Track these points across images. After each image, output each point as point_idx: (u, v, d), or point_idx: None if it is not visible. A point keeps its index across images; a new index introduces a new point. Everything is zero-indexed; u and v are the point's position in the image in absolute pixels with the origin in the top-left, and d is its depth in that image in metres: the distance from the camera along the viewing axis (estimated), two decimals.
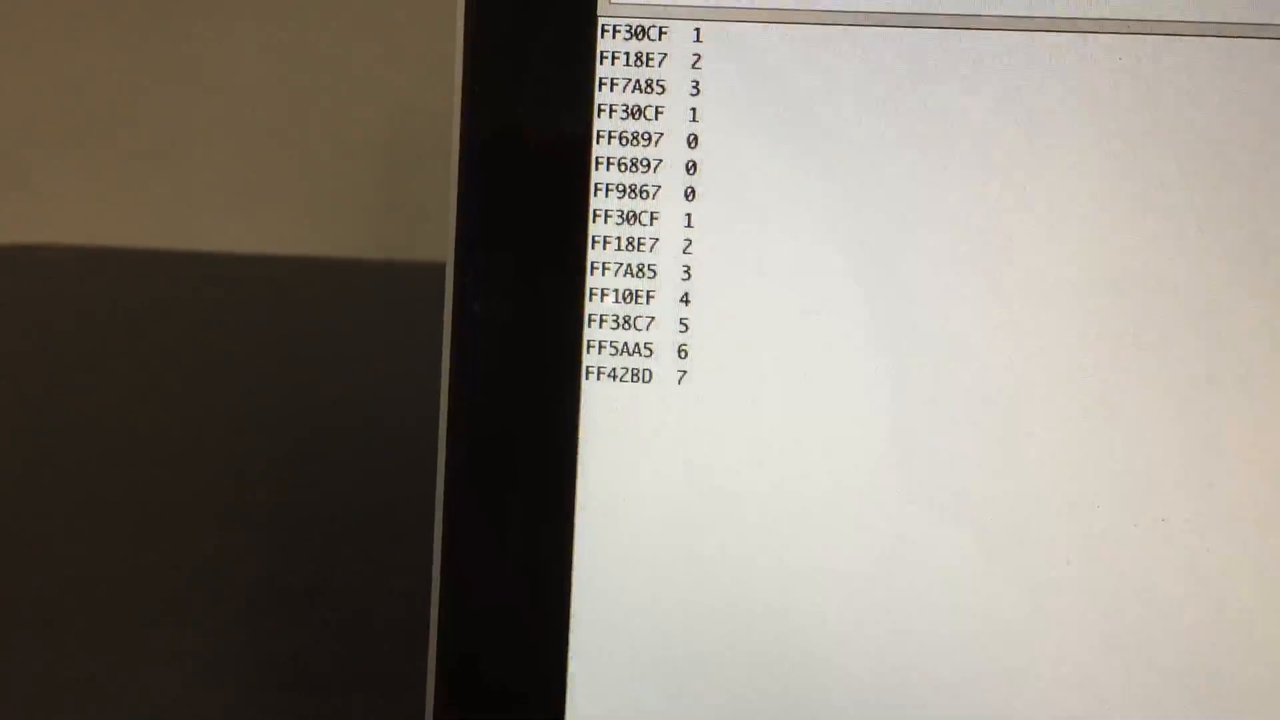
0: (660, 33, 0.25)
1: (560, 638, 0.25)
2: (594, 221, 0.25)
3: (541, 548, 0.25)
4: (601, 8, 0.25)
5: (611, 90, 0.25)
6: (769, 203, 0.25)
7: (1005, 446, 0.25)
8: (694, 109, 0.25)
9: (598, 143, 0.25)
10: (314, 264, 0.50)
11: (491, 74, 0.25)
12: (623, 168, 0.25)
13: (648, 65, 0.25)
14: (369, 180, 0.51)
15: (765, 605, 0.25)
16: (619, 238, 0.25)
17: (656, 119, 0.25)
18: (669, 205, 0.25)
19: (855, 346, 0.25)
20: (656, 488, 0.25)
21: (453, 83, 0.25)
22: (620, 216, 0.25)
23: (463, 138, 0.25)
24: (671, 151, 0.25)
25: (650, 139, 0.25)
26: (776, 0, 0.25)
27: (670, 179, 0.25)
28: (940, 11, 0.25)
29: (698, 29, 0.25)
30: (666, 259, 0.25)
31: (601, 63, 0.25)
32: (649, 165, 0.25)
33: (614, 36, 0.25)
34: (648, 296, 0.25)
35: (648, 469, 0.25)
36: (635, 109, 0.25)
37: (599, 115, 0.25)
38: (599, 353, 0.25)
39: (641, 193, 0.25)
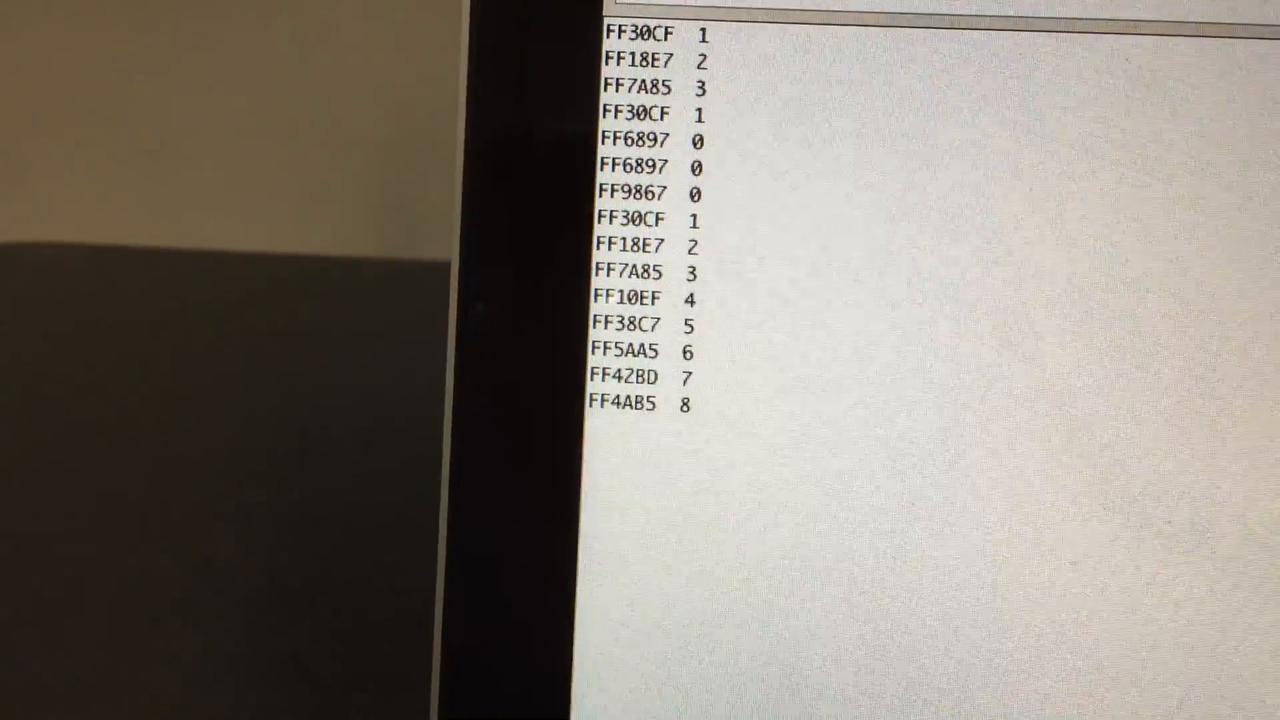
0: (666, 33, 0.25)
1: (565, 643, 0.25)
2: (599, 222, 0.25)
3: (547, 550, 0.25)
4: (607, 8, 0.25)
5: (617, 90, 0.25)
6: (775, 204, 0.25)
7: (1009, 461, 0.25)
8: (699, 109, 0.25)
9: (603, 143, 0.25)
10: (316, 262, 0.50)
11: (496, 74, 0.25)
12: (628, 168, 0.25)
13: (653, 65, 0.25)
14: (371, 178, 0.51)
15: (773, 611, 0.25)
16: (624, 238, 0.25)
17: (662, 119, 0.25)
18: (674, 206, 0.25)
19: (860, 342, 0.25)
20: (663, 495, 0.25)
21: (458, 82, 0.25)
22: (625, 217, 0.25)
23: (468, 138, 0.25)
24: (677, 152, 0.25)
25: (656, 139, 0.25)
26: (781, 1, 0.25)
27: (676, 179, 0.25)
28: (945, 12, 0.25)
29: (703, 29, 0.25)
30: (672, 260, 0.25)
31: (607, 63, 0.25)
32: (654, 166, 0.25)
33: (619, 36, 0.25)
34: (653, 297, 0.25)
35: (654, 475, 0.25)
36: (641, 109, 0.25)
37: (604, 115, 0.25)
38: (604, 353, 0.25)
39: (647, 193, 0.25)
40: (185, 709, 0.36)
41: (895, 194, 0.25)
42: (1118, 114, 0.25)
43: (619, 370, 0.25)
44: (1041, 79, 0.25)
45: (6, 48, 0.53)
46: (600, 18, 0.25)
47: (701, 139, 0.25)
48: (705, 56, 0.25)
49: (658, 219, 0.25)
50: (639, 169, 0.25)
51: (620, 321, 0.25)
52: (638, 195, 0.25)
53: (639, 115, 0.25)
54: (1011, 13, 0.25)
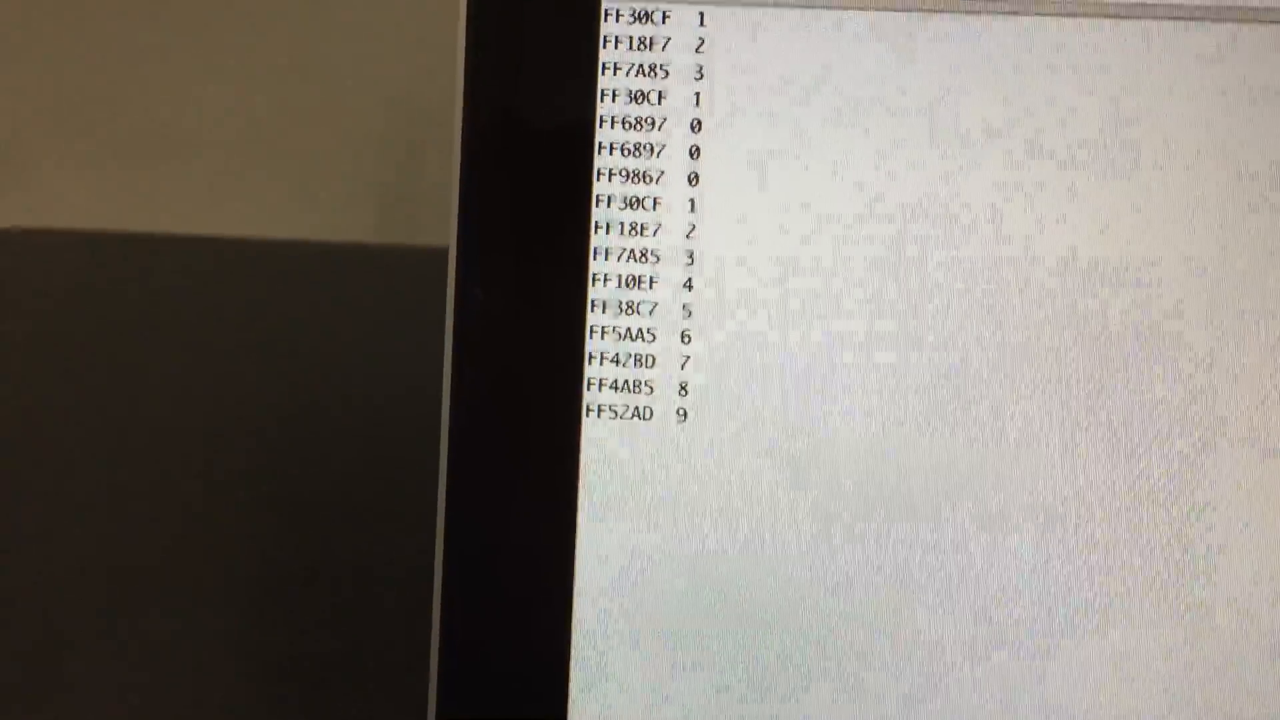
0: (664, 17, 0.25)
1: (562, 639, 0.25)
2: (597, 206, 0.25)
3: (545, 540, 0.25)
4: None
5: (615, 75, 0.25)
6: (772, 187, 0.25)
7: (1007, 455, 0.25)
8: (697, 94, 0.25)
9: (601, 127, 0.25)
10: (314, 248, 0.50)
11: (494, 58, 0.25)
12: (625, 152, 0.25)
13: (651, 50, 0.25)
14: (369, 163, 0.51)
15: (767, 609, 0.25)
16: (622, 222, 0.25)
17: (660, 104, 0.25)
18: (672, 191, 0.25)
19: (856, 322, 0.25)
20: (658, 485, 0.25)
21: (455, 68, 0.25)
22: (623, 201, 0.25)
23: (465, 123, 0.25)
24: (675, 136, 0.25)
25: (654, 123, 0.25)
26: None
27: (674, 164, 0.25)
28: None
29: (701, 13, 0.25)
30: (670, 244, 0.25)
31: (605, 47, 0.25)
32: (652, 150, 0.25)
33: (617, 20, 0.25)
34: (650, 281, 0.25)
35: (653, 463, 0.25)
36: (638, 94, 0.25)
37: (602, 100, 0.25)
38: (601, 338, 0.25)
39: (645, 177, 0.25)
40: (179, 694, 0.36)
41: (892, 174, 0.25)
42: (1121, 97, 0.25)
43: (616, 354, 0.25)
44: (1042, 62, 0.25)
45: (5, 33, 0.53)
46: (598, 2, 0.25)
47: (699, 123, 0.25)
48: (703, 40, 0.25)
49: (656, 204, 0.25)
50: (637, 153, 0.25)
51: (619, 307, 0.25)
52: (636, 180, 0.25)
53: (636, 100, 0.25)
54: None
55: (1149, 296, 0.24)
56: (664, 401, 0.25)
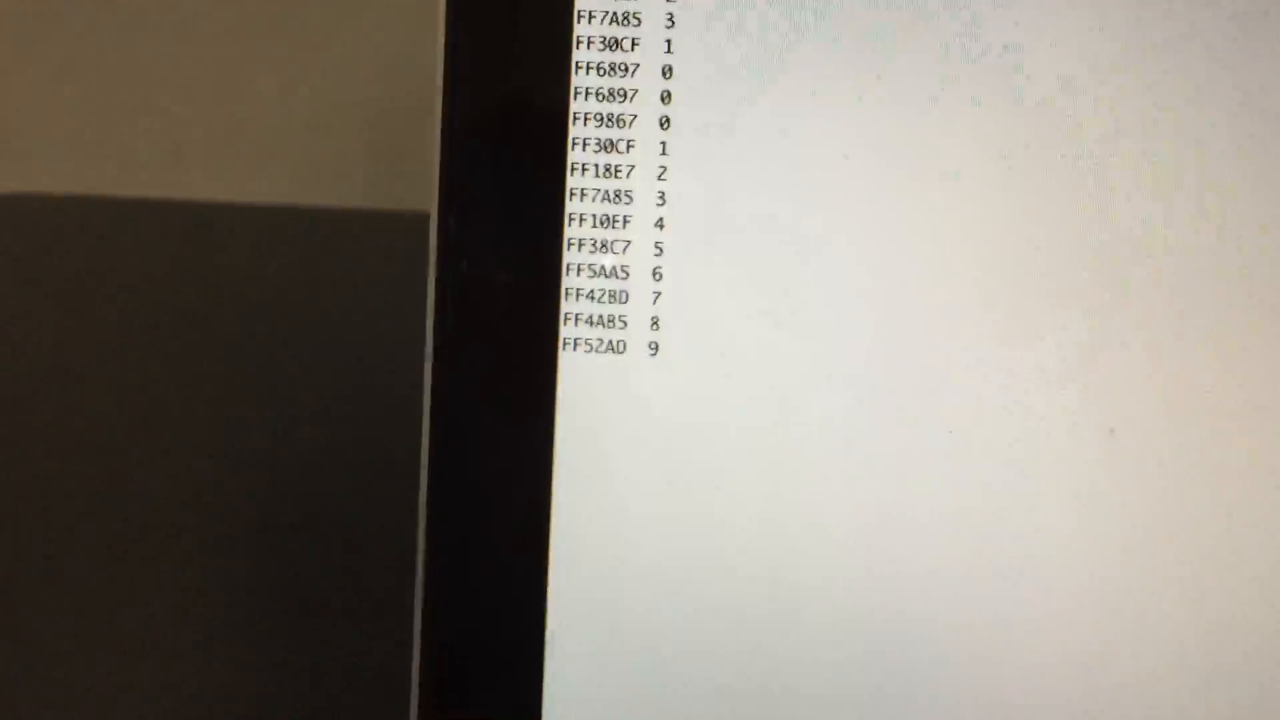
0: None
1: (537, 627, 0.26)
2: (573, 149, 0.27)
3: (522, 519, 0.26)
4: None
5: (590, 22, 0.26)
6: (743, 139, 0.26)
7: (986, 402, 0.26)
8: (669, 40, 0.26)
9: (576, 73, 0.26)
10: (302, 213, 0.51)
11: (473, 11, 0.26)
12: (600, 97, 0.26)
13: None
14: (354, 128, 0.52)
15: (749, 574, 0.26)
16: (597, 164, 0.26)
17: (633, 50, 0.26)
18: (644, 134, 0.26)
19: (830, 286, 0.26)
20: (635, 458, 0.26)
21: (435, 41, 0.26)
22: (598, 144, 0.26)
23: (446, 80, 0.26)
24: (646, 82, 0.26)
25: (627, 70, 0.26)
26: None
27: (645, 108, 0.26)
28: None
29: None
30: (642, 186, 0.26)
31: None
32: (625, 95, 0.26)
33: None
34: (624, 221, 0.26)
35: (626, 430, 0.26)
36: (612, 41, 0.26)
37: (577, 48, 0.26)
38: (578, 274, 0.26)
39: (618, 121, 0.26)
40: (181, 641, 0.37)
41: (866, 123, 0.26)
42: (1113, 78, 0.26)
43: (592, 291, 0.26)
44: (1021, 42, 0.26)
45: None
46: None
47: (670, 69, 0.26)
48: None
49: (629, 146, 0.26)
50: (610, 98, 0.26)
51: (594, 245, 0.27)
52: (609, 124, 0.26)
53: (610, 47, 0.26)
54: None
55: None
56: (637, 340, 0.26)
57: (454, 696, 0.26)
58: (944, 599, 0.26)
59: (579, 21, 0.26)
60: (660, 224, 0.27)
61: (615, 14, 0.26)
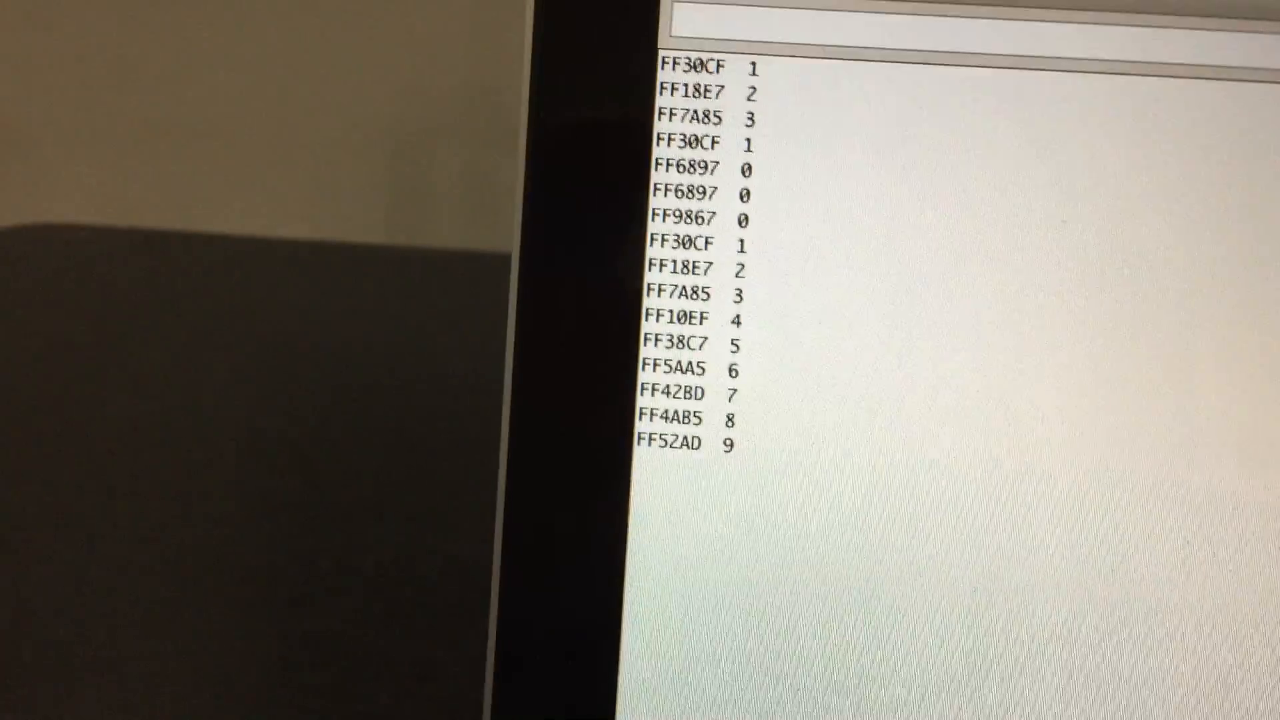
0: (718, 65, 0.26)
1: (612, 650, 0.27)
2: (651, 245, 0.27)
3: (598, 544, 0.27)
4: (662, 40, 0.26)
5: (670, 120, 0.27)
6: (819, 233, 0.26)
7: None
8: (748, 139, 0.27)
9: (656, 169, 0.27)
10: (336, 249, 0.51)
11: (555, 100, 0.27)
12: (680, 194, 0.27)
13: (705, 97, 0.26)
14: (381, 166, 0.52)
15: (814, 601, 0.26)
16: (675, 260, 0.27)
17: (713, 148, 0.27)
18: (723, 230, 0.27)
19: (888, 365, 0.26)
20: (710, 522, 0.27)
21: (519, 120, 0.26)
22: (676, 240, 0.27)
23: (527, 166, 0.26)
24: (726, 179, 0.27)
25: (707, 167, 0.27)
26: (829, 37, 0.26)
27: (725, 205, 0.27)
28: (984, 51, 0.26)
29: (753, 63, 0.26)
30: (720, 282, 0.27)
31: (661, 93, 0.27)
32: (705, 192, 0.27)
33: (674, 68, 0.26)
34: (701, 317, 0.27)
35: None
36: (693, 138, 0.27)
37: (657, 144, 0.27)
38: (654, 370, 0.27)
39: (697, 218, 0.27)
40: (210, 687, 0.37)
41: (933, 224, 0.26)
42: (1123, 149, 0.26)
43: (668, 386, 0.27)
44: (1061, 114, 0.26)
45: (18, 28, 0.53)
46: (655, 50, 0.26)
47: (750, 167, 0.27)
48: (755, 89, 0.26)
49: (707, 243, 0.27)
50: (690, 194, 0.27)
51: (670, 340, 0.27)
52: (688, 220, 0.27)
53: (690, 144, 0.27)
54: (1051, 54, 0.26)
55: None
56: (712, 432, 0.27)
57: (528, 697, 0.27)
58: (1055, 654, 0.26)
59: (660, 118, 0.27)
60: (738, 321, 0.27)
61: (697, 111, 0.27)
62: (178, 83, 0.52)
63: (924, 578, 0.26)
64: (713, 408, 0.27)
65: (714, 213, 0.27)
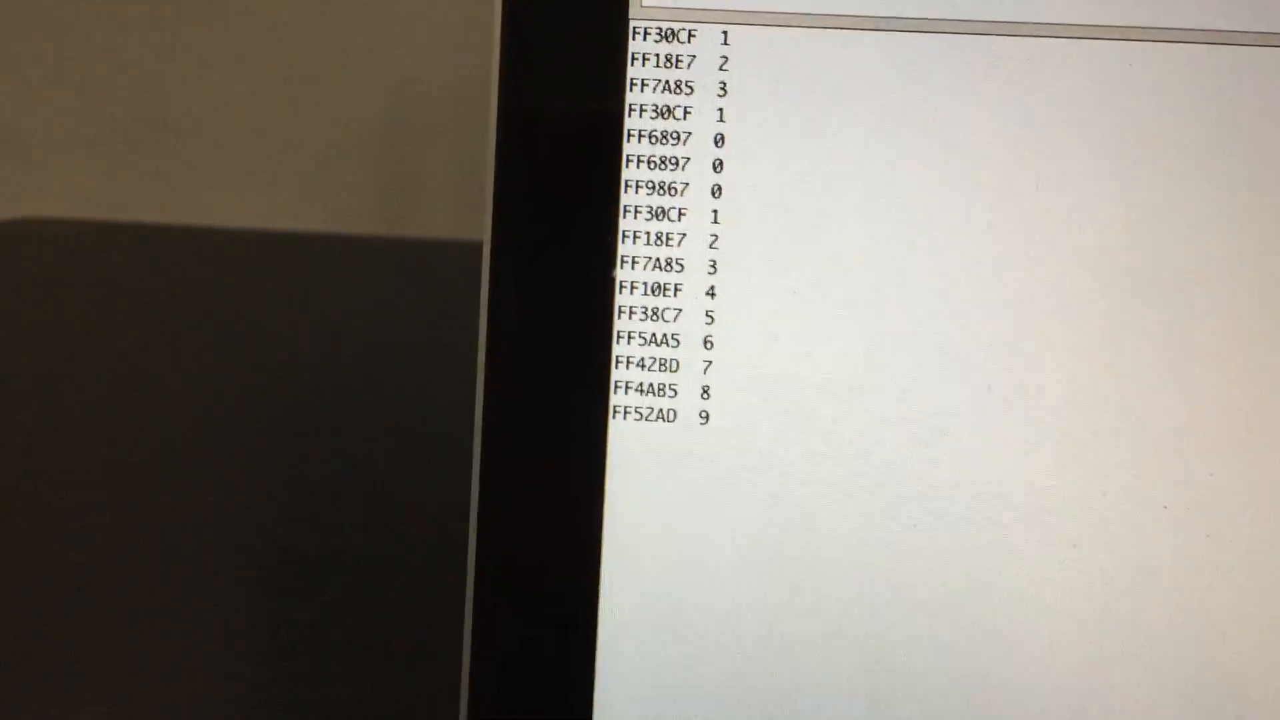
0: (689, 35, 0.26)
1: (589, 644, 0.26)
2: (624, 216, 0.26)
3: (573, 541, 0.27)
4: (633, 10, 0.26)
5: (642, 90, 0.26)
6: (792, 204, 0.26)
7: (1020, 449, 0.26)
8: (720, 109, 0.26)
9: (628, 141, 0.26)
10: (324, 240, 0.51)
11: (524, 74, 0.26)
12: (652, 165, 0.26)
13: (677, 67, 0.26)
14: (371, 157, 0.52)
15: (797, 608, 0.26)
16: (648, 232, 0.26)
17: (685, 119, 0.26)
18: (697, 202, 0.26)
19: (873, 343, 0.26)
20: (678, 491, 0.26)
21: (490, 85, 0.26)
22: (649, 212, 0.26)
23: (499, 137, 0.26)
24: (699, 150, 0.26)
25: (679, 138, 0.26)
26: (801, 5, 0.26)
27: (698, 177, 0.26)
28: (959, 17, 0.26)
29: (725, 32, 0.26)
30: (694, 254, 0.26)
31: (632, 64, 0.26)
32: (678, 163, 0.26)
33: (645, 38, 0.26)
34: (675, 289, 0.26)
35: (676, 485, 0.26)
36: (665, 109, 0.26)
37: (629, 115, 0.26)
38: (628, 342, 0.26)
39: (670, 189, 0.26)
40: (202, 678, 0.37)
41: (910, 195, 0.26)
42: (1117, 118, 0.26)
43: (642, 359, 0.26)
44: (1046, 83, 0.26)
45: (8, 26, 0.53)
46: (626, 20, 0.26)
47: (722, 137, 0.26)
48: (727, 59, 0.26)
49: (680, 214, 0.26)
50: (663, 166, 0.26)
51: (644, 313, 0.26)
52: (661, 191, 0.26)
53: (663, 115, 0.26)
54: (1023, 18, 0.26)
55: None
56: (688, 404, 0.26)
57: (504, 696, 0.27)
58: (1041, 667, 0.26)
59: (631, 89, 0.26)
60: (711, 293, 0.27)
61: (668, 82, 0.26)
62: (166, 78, 0.52)
63: (915, 560, 0.26)
64: (688, 380, 0.27)
65: (687, 183, 0.26)
